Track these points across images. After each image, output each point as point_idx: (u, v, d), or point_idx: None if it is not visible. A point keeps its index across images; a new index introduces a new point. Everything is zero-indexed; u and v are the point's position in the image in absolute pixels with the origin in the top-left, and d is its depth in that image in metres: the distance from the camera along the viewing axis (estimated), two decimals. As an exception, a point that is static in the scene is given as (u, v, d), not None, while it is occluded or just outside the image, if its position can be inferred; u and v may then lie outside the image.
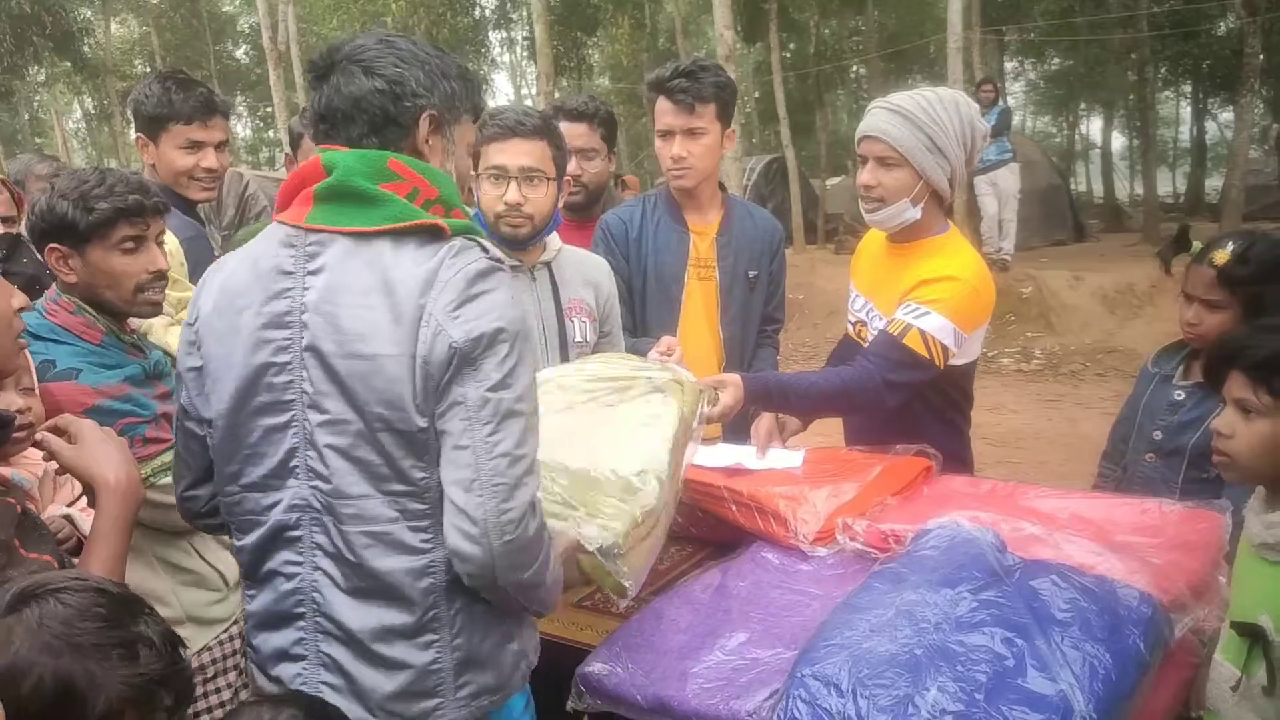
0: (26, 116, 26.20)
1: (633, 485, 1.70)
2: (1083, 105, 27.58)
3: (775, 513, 1.96)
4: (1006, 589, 1.55)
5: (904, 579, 1.62)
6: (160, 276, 2.04)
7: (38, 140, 27.63)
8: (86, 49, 23.84)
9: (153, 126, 2.68)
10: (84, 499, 1.59)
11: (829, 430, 2.78)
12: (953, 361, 2.21)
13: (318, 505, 1.45)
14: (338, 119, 1.46)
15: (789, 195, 15.75)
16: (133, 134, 2.85)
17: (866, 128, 2.26)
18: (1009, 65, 24.90)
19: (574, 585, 1.71)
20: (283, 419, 1.44)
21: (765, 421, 2.39)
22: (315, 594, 1.47)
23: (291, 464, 1.45)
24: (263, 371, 1.44)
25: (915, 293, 2.21)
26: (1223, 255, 2.08)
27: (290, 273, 1.44)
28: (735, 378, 2.17)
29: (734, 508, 2.03)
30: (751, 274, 2.68)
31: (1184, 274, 2.21)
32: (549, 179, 2.20)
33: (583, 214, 2.92)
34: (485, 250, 1.44)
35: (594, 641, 1.74)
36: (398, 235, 1.42)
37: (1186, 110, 29.70)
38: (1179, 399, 2.24)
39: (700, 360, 2.57)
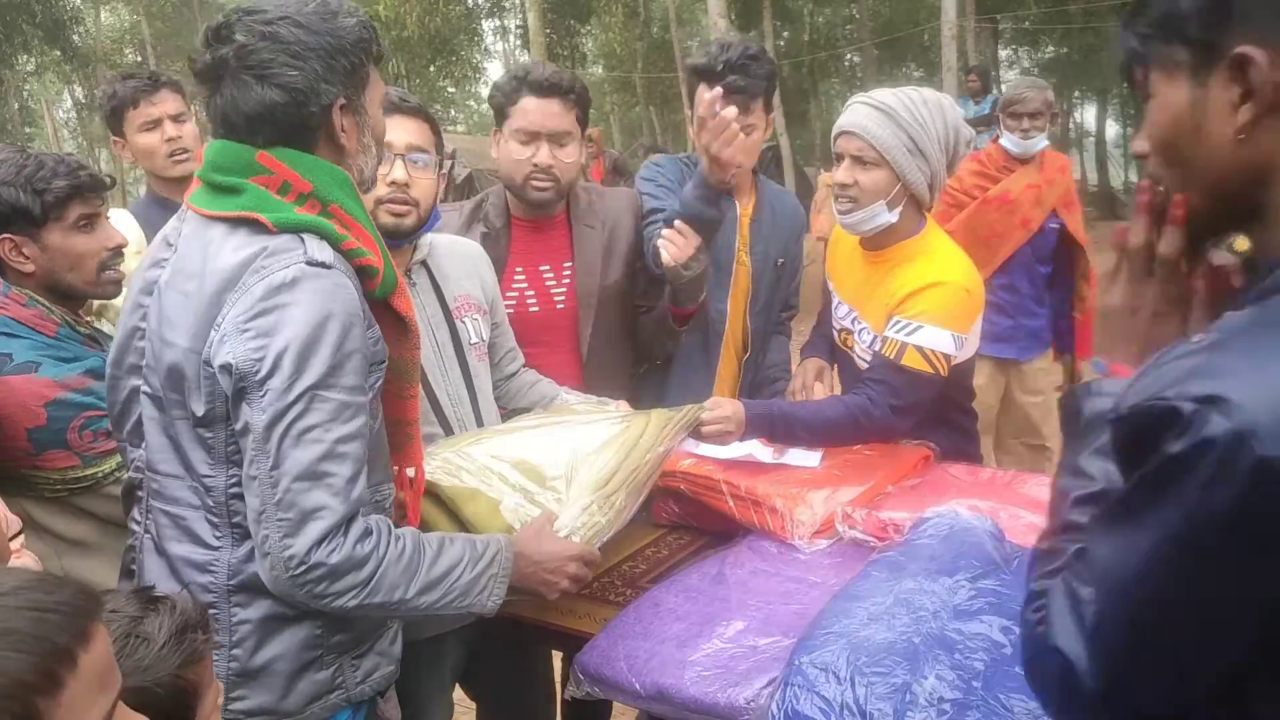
0: (16, 106, 25.97)
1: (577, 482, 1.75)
2: (1077, 93, 27.57)
3: (773, 509, 1.95)
4: (1005, 577, 1.55)
5: (902, 567, 1.62)
6: (118, 252, 2.01)
7: (28, 129, 27.45)
8: (76, 38, 23.69)
9: (115, 122, 2.74)
10: (19, 539, 1.55)
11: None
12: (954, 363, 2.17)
13: (143, 474, 1.48)
14: (240, 130, 1.38)
15: (784, 184, 15.74)
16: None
17: (845, 123, 2.15)
18: (1003, 53, 24.92)
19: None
20: (138, 383, 1.47)
21: (813, 365, 2.38)
22: (141, 555, 1.51)
23: (141, 427, 1.48)
24: (131, 335, 1.47)
25: (902, 307, 2.14)
26: (1243, 242, 2.05)
27: (171, 245, 1.46)
28: (735, 401, 2.12)
29: (731, 501, 2.02)
30: (780, 261, 2.57)
31: None
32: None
33: (543, 211, 2.37)
34: (308, 251, 1.35)
35: (592, 630, 1.74)
36: (234, 222, 1.38)
37: (1180, 98, 29.63)
38: None
39: (727, 347, 2.54)
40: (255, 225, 1.36)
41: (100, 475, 1.98)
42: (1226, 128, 0.84)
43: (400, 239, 1.92)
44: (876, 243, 2.26)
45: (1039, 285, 3.84)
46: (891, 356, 2.13)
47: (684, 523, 2.19)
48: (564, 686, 1.76)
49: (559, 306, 2.32)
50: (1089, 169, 27.90)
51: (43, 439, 1.90)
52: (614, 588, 1.94)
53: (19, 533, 1.57)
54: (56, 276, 1.95)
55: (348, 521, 1.34)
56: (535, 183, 2.24)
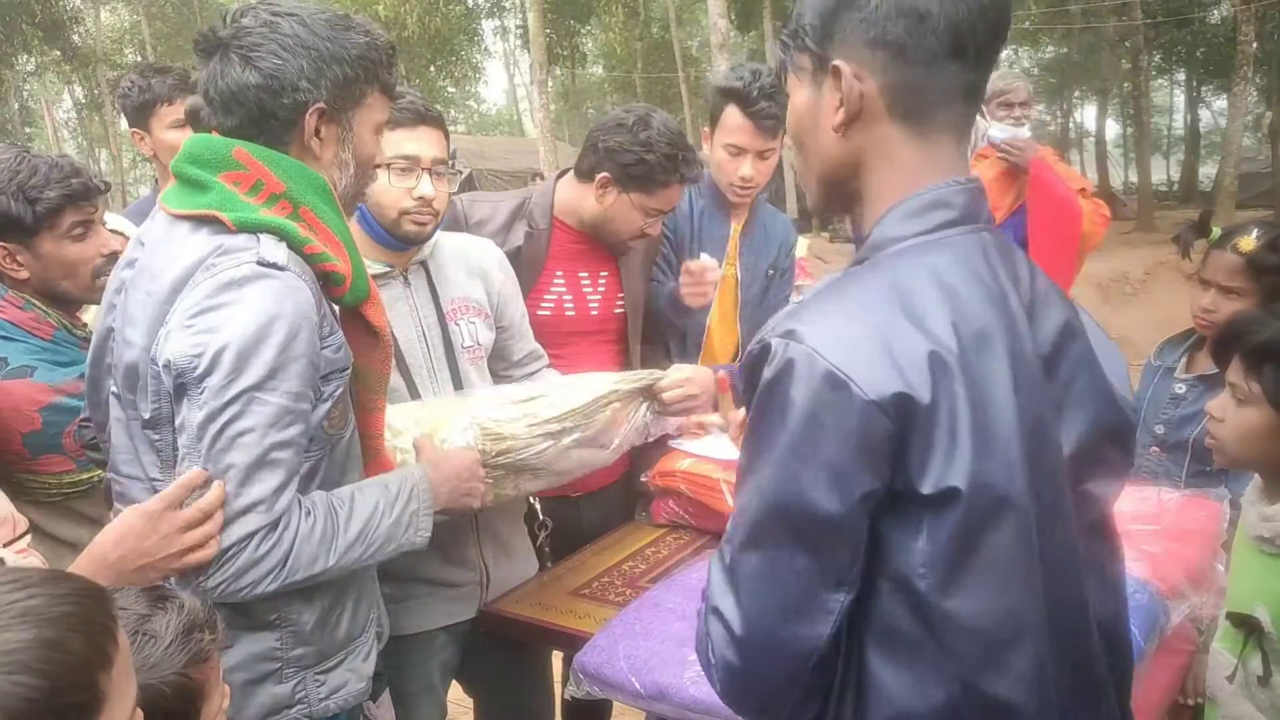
0: (16, 106, 25.99)
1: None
2: (1077, 93, 27.58)
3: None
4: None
5: (902, 567, 1.62)
6: (114, 258, 1.99)
7: (28, 129, 27.48)
8: (76, 38, 23.72)
9: (141, 115, 2.73)
10: (25, 539, 1.54)
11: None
12: None
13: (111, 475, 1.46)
14: (215, 105, 1.38)
15: (783, 183, 15.76)
16: (123, 127, 2.89)
17: None
18: (1003, 53, 24.86)
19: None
20: (110, 382, 1.45)
21: None
22: None
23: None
24: (106, 335, 1.45)
25: None
26: (1249, 242, 2.03)
27: (142, 244, 1.44)
28: (700, 366, 2.10)
29: (731, 501, 2.02)
30: (770, 272, 2.61)
31: (1202, 259, 2.16)
32: None
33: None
34: (261, 251, 1.32)
35: (592, 630, 1.74)
36: (197, 221, 1.36)
37: (1180, 98, 29.74)
38: (1180, 392, 2.23)
39: (723, 355, 2.55)
40: (217, 224, 1.34)
41: (95, 480, 1.98)
42: (830, 125, 1.01)
43: (418, 244, 1.92)
44: None
45: None
46: None
47: (684, 523, 2.19)
48: (564, 686, 1.76)
49: (593, 313, 2.31)
50: (1089, 169, 27.91)
51: (38, 444, 1.90)
52: (613, 587, 1.94)
53: (25, 533, 1.56)
54: (51, 283, 1.93)
55: (264, 529, 1.30)
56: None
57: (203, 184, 1.36)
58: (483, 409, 1.79)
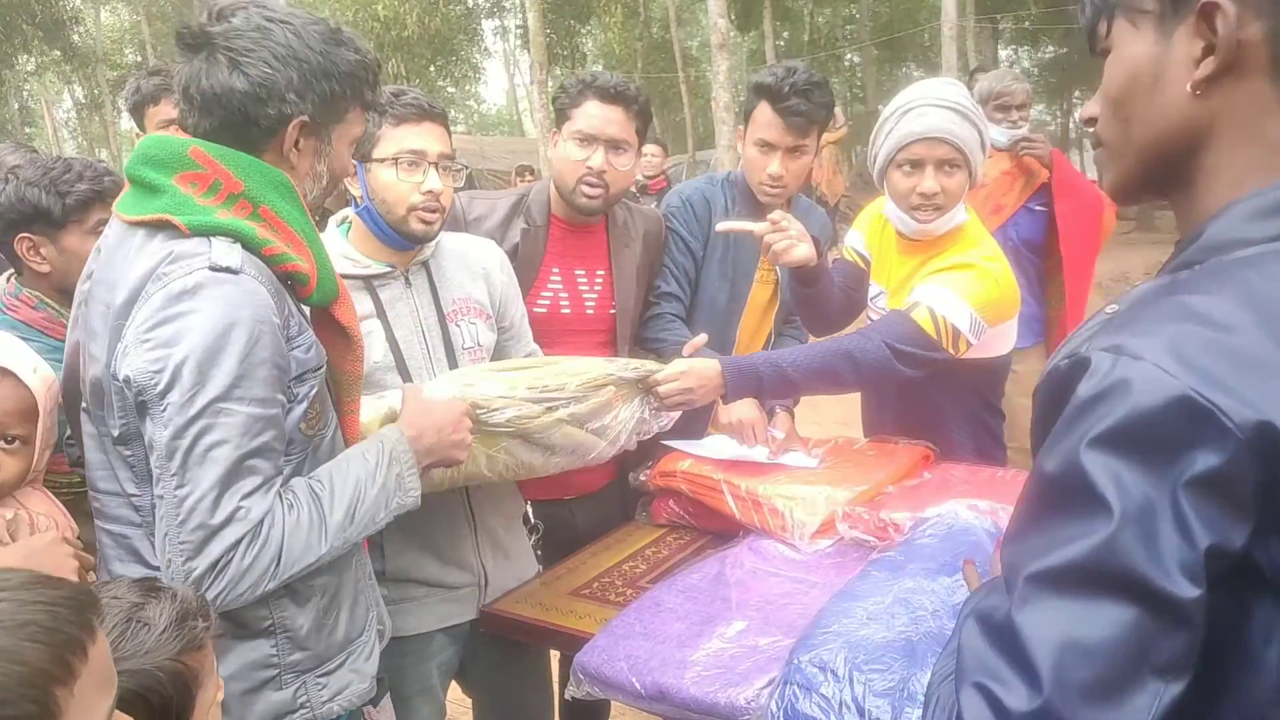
0: (16, 106, 25.98)
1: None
2: (1077, 93, 27.55)
3: (773, 509, 1.96)
4: (1004, 576, 1.54)
5: (902, 567, 1.62)
6: None
7: (28, 130, 27.46)
8: (76, 38, 23.74)
9: (137, 116, 2.81)
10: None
11: (850, 420, 2.66)
12: (978, 355, 2.11)
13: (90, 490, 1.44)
14: (194, 105, 1.33)
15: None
16: (124, 126, 2.98)
17: (930, 129, 2.03)
18: (1003, 53, 24.92)
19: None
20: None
21: (784, 420, 2.36)
22: (103, 569, 1.47)
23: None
24: (76, 349, 1.43)
25: (929, 278, 2.12)
26: None
27: (100, 253, 1.41)
28: (699, 360, 2.05)
29: (731, 501, 2.02)
30: None
31: None
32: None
33: (587, 217, 2.37)
34: (213, 256, 1.27)
35: (592, 630, 1.74)
36: (151, 227, 1.31)
37: (1180, 98, 29.58)
38: None
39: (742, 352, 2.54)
40: (171, 229, 1.30)
41: None
42: (1183, 83, 0.81)
43: (424, 242, 1.92)
44: (924, 232, 2.19)
45: (1030, 276, 3.74)
46: (902, 309, 2.09)
47: (684, 523, 2.20)
48: (563, 687, 1.76)
49: (588, 312, 2.32)
50: (1089, 168, 27.87)
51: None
52: (614, 588, 1.94)
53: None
54: (70, 279, 1.94)
55: (248, 536, 1.28)
56: (585, 188, 2.23)
57: (156, 187, 1.32)
58: (475, 372, 1.83)
